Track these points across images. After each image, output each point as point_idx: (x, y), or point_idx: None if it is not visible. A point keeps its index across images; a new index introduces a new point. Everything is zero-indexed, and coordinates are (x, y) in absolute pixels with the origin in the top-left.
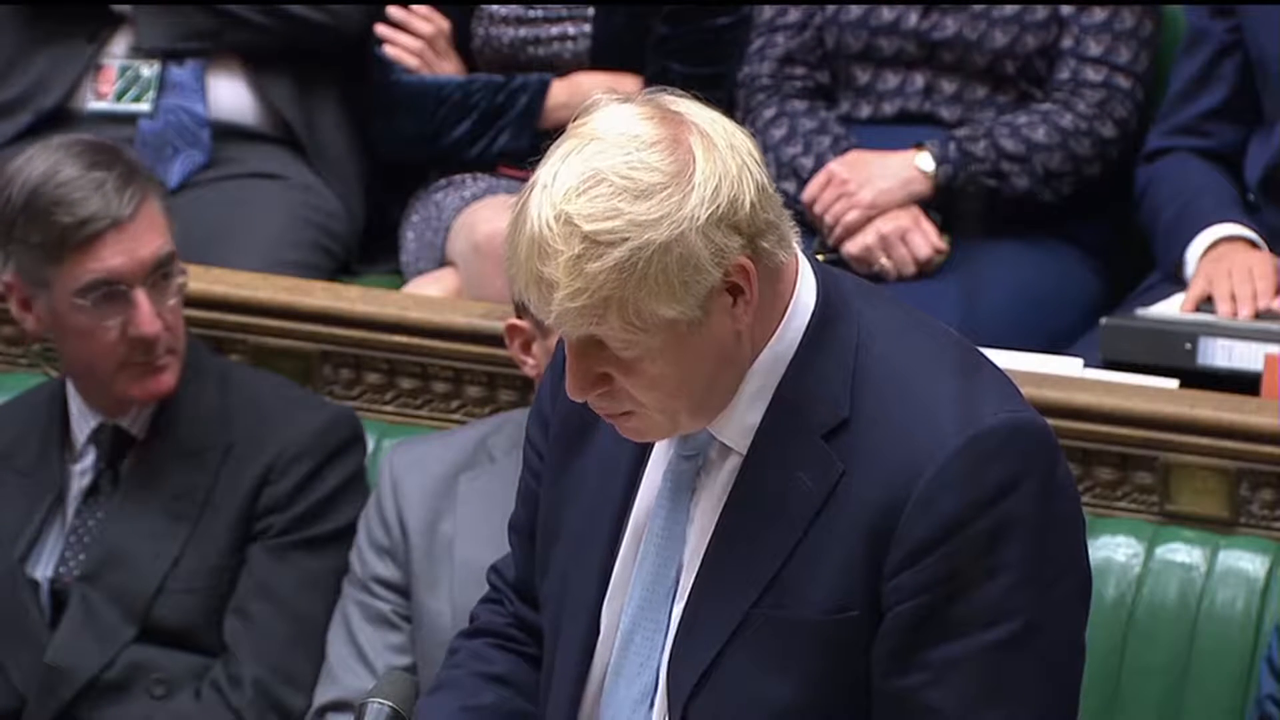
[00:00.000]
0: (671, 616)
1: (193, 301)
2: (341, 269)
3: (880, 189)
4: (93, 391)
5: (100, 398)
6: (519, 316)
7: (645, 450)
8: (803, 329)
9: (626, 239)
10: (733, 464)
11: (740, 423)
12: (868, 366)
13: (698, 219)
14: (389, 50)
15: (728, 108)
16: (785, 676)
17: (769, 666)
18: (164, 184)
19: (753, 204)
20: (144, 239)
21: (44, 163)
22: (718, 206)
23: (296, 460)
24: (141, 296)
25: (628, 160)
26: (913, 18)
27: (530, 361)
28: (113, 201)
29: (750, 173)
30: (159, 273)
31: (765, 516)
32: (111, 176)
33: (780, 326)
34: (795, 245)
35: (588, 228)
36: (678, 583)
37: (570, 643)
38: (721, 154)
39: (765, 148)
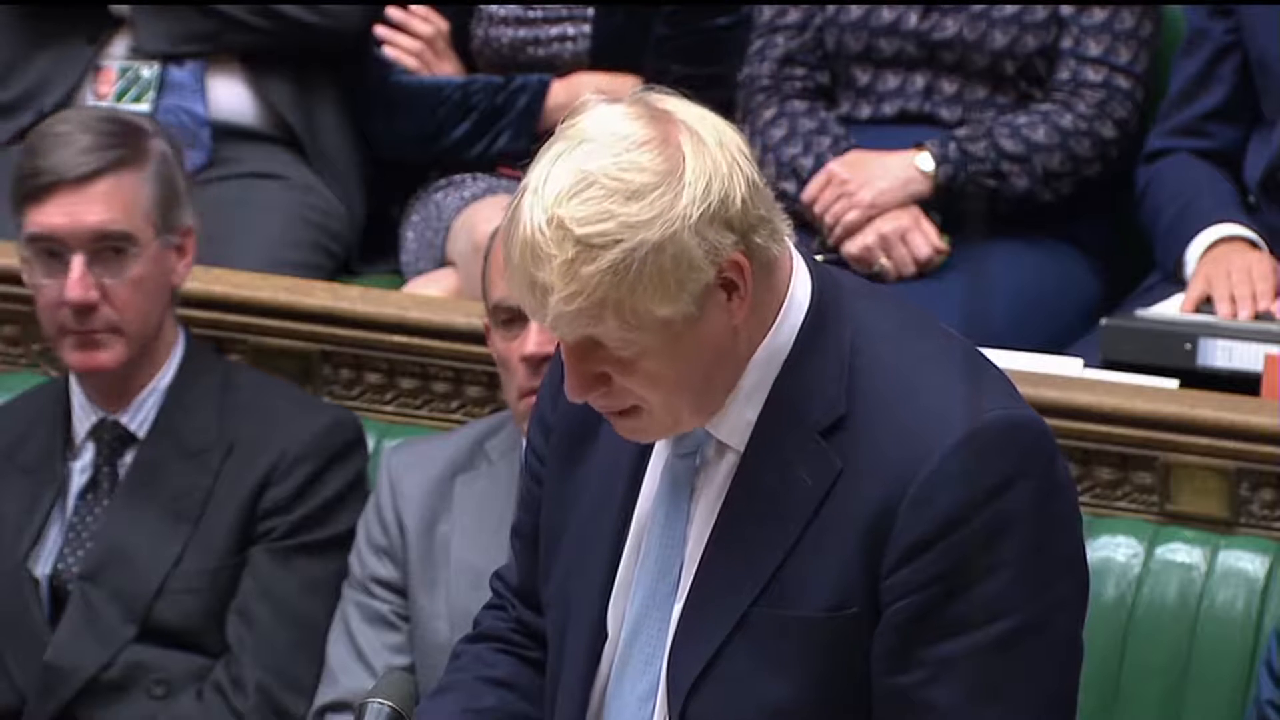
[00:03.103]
0: (674, 615)
1: (193, 301)
2: (341, 269)
3: (880, 189)
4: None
5: (83, 383)
6: (490, 316)
7: (646, 452)
8: (798, 325)
9: (619, 241)
10: (730, 462)
11: (737, 419)
12: (864, 364)
13: (690, 217)
14: (388, 51)
15: (728, 108)
16: (785, 674)
17: (768, 664)
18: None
19: (744, 199)
20: (93, 206)
21: (63, 115)
22: (709, 204)
23: (299, 462)
24: (77, 262)
25: (617, 161)
26: (912, 18)
27: None
28: (72, 160)
29: (740, 168)
30: (104, 245)
31: (764, 514)
32: (94, 139)
33: (775, 322)
34: (787, 238)
35: (580, 231)
36: (679, 581)
37: (576, 644)
38: (711, 151)
39: (765, 148)
